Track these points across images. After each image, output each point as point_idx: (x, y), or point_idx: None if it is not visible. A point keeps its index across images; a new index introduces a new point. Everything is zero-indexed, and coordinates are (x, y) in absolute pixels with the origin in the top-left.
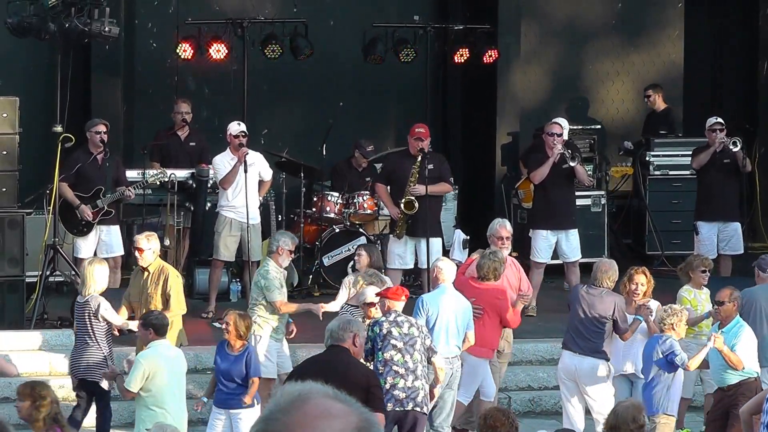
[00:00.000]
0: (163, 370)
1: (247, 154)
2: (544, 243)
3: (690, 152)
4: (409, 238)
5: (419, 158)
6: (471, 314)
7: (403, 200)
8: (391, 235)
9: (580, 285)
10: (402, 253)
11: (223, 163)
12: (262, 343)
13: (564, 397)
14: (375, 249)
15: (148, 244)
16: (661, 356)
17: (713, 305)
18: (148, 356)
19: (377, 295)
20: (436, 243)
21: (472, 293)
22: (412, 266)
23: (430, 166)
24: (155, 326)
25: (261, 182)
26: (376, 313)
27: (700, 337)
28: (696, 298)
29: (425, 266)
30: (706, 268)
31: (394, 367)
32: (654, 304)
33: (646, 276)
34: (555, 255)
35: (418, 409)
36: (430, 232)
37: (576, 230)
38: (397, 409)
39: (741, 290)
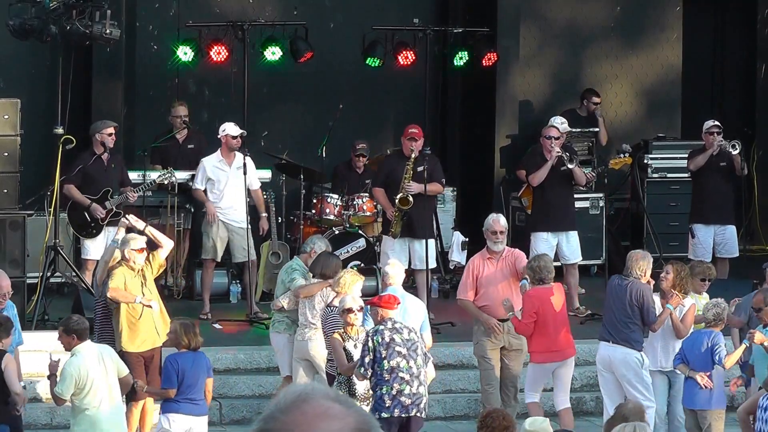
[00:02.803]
0: (92, 373)
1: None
2: (544, 245)
3: (687, 154)
4: (402, 239)
5: (412, 157)
6: (425, 316)
7: (398, 196)
8: (384, 236)
9: (614, 276)
10: (396, 254)
11: (210, 166)
12: (282, 341)
13: (602, 389)
14: (334, 258)
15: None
16: (706, 348)
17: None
18: (75, 363)
19: (368, 303)
20: (430, 244)
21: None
22: (405, 267)
23: (421, 168)
24: (77, 331)
25: (252, 191)
26: (355, 319)
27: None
28: (696, 303)
29: (418, 267)
30: (706, 278)
31: (400, 374)
32: (688, 302)
33: (673, 267)
34: (555, 257)
35: (420, 415)
36: (425, 233)
37: (576, 232)
38: (403, 415)
39: (741, 295)
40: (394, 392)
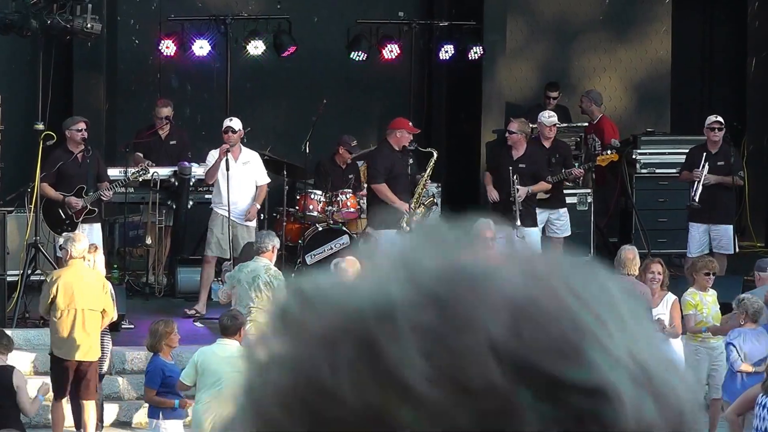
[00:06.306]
0: None
1: (228, 151)
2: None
3: (676, 150)
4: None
5: (432, 159)
6: None
7: (422, 196)
8: (385, 230)
9: None
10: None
11: (211, 156)
12: None
13: None
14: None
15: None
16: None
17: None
18: None
19: None
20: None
21: None
22: None
23: (412, 161)
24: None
25: (257, 186)
26: None
27: (708, 341)
28: (701, 300)
29: None
30: (710, 271)
31: None
32: (671, 297)
33: (661, 266)
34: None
35: None
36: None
37: (536, 228)
38: None
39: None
40: None
